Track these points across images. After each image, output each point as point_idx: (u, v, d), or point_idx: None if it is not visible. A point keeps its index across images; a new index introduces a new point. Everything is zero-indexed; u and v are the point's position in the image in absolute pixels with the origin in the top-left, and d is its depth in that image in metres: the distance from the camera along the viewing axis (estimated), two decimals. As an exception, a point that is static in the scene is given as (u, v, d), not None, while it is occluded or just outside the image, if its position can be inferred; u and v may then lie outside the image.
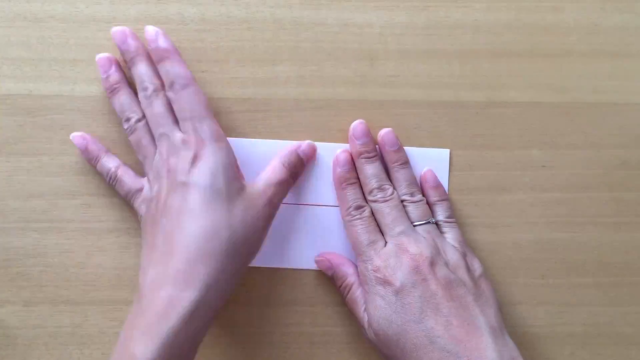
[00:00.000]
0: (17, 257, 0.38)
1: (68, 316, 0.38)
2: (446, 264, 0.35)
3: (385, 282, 0.34)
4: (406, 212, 0.37)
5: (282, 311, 0.39)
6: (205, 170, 0.33)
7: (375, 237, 0.36)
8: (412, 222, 0.37)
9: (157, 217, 0.34)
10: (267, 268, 0.39)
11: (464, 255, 0.36)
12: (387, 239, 0.36)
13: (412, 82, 0.39)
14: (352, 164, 0.38)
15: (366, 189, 0.37)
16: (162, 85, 0.36)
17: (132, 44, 0.37)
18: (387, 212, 0.36)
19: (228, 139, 0.38)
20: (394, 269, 0.34)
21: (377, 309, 0.34)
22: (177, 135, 0.35)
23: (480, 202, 0.39)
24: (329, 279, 0.39)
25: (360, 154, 0.38)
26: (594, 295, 0.40)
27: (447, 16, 0.40)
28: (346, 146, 0.39)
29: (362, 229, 0.36)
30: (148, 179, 0.36)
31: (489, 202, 0.39)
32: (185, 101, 0.35)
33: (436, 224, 0.37)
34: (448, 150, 0.39)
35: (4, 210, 0.38)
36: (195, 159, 0.34)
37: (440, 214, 0.38)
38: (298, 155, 0.38)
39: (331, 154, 0.39)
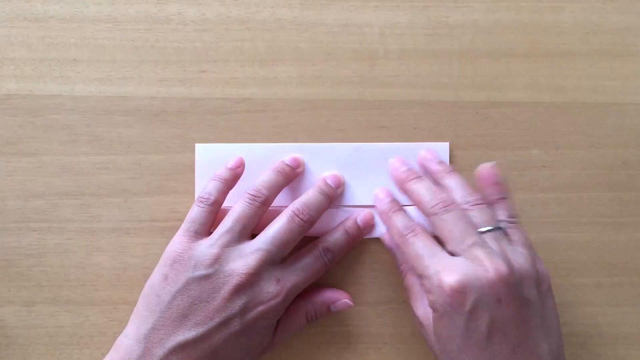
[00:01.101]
0: (17, 257, 0.38)
1: (68, 316, 0.38)
2: (519, 280, 0.31)
3: (456, 300, 0.31)
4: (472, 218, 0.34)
5: (282, 311, 0.39)
6: None
7: (436, 248, 0.33)
8: (477, 230, 0.33)
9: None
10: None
11: (533, 265, 0.32)
12: (459, 253, 0.32)
13: (412, 82, 0.39)
14: (393, 196, 0.37)
15: (422, 206, 0.34)
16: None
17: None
18: (453, 222, 0.33)
19: (226, 144, 0.38)
20: (467, 285, 0.30)
21: (442, 321, 0.32)
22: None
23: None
24: (328, 279, 0.39)
25: (407, 177, 0.36)
26: (594, 295, 0.40)
27: (447, 16, 0.40)
28: (348, 146, 0.39)
29: (420, 243, 0.33)
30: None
31: (489, 202, 0.39)
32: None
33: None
34: (447, 144, 0.39)
35: (4, 210, 0.38)
36: None
37: (502, 214, 0.35)
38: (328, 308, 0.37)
39: (331, 154, 0.39)
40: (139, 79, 0.39)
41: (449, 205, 0.33)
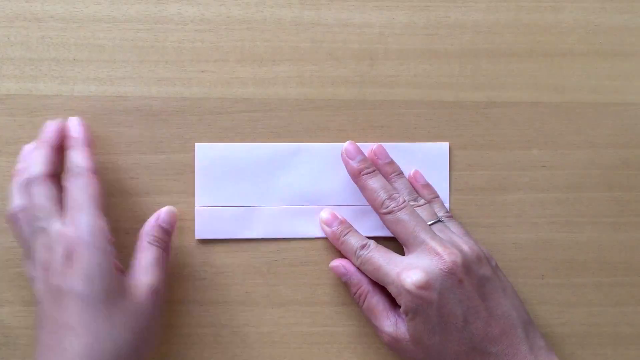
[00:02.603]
0: (16, 257, 0.38)
1: (68, 316, 0.38)
2: (477, 260, 0.35)
3: (423, 294, 0.33)
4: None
5: (282, 311, 0.39)
6: (80, 273, 0.31)
7: (391, 254, 0.36)
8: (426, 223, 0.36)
9: (37, 324, 0.32)
10: (266, 268, 0.39)
11: (479, 247, 0.36)
12: (411, 248, 0.35)
13: (412, 82, 0.39)
14: (338, 217, 0.38)
15: (376, 204, 0.37)
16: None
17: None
18: (407, 220, 0.35)
19: (226, 143, 0.38)
20: (429, 278, 0.33)
21: (416, 320, 0.34)
22: (54, 227, 0.32)
23: (480, 202, 0.39)
24: (328, 279, 0.39)
25: (360, 171, 0.37)
26: (594, 295, 0.40)
27: (447, 16, 0.40)
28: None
29: (376, 255, 0.36)
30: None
31: (489, 202, 0.39)
32: (72, 190, 0.33)
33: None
34: (447, 144, 0.39)
35: (4, 210, 0.38)
36: (69, 257, 0.31)
37: (440, 210, 0.38)
38: (160, 227, 0.36)
39: (331, 154, 0.39)
40: (139, 78, 0.39)
41: (402, 204, 0.36)
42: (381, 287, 0.36)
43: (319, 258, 0.39)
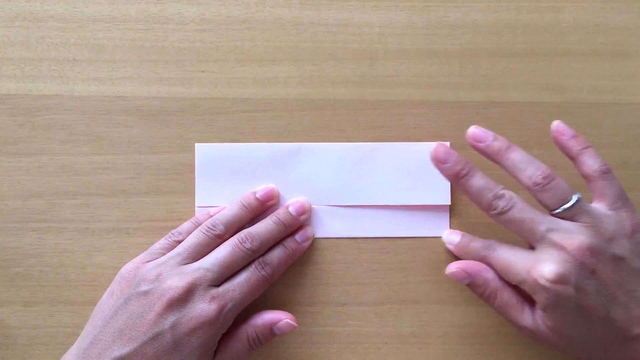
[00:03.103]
0: (16, 257, 0.38)
1: (68, 316, 0.38)
2: (607, 242, 0.32)
3: (558, 290, 0.32)
4: (543, 200, 0.34)
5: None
6: None
7: (517, 252, 0.34)
8: (551, 211, 0.34)
9: None
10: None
11: (620, 219, 0.33)
12: (534, 244, 0.34)
13: (412, 82, 0.39)
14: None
15: (484, 207, 0.34)
16: None
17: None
18: (520, 218, 0.33)
19: (226, 143, 0.38)
20: (561, 273, 0.32)
21: (557, 317, 0.33)
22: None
23: (480, 202, 0.39)
24: (329, 279, 0.39)
25: (457, 174, 0.35)
26: (594, 295, 0.39)
27: (447, 16, 0.40)
28: (348, 146, 0.39)
29: (503, 253, 0.35)
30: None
31: (489, 202, 0.39)
32: None
33: (587, 180, 0.34)
34: (448, 143, 0.39)
35: (3, 210, 0.38)
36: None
37: (590, 165, 0.34)
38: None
39: (331, 154, 0.39)
40: (139, 78, 0.39)
41: (510, 202, 0.34)
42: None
43: (320, 258, 0.39)
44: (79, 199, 0.39)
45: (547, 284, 0.32)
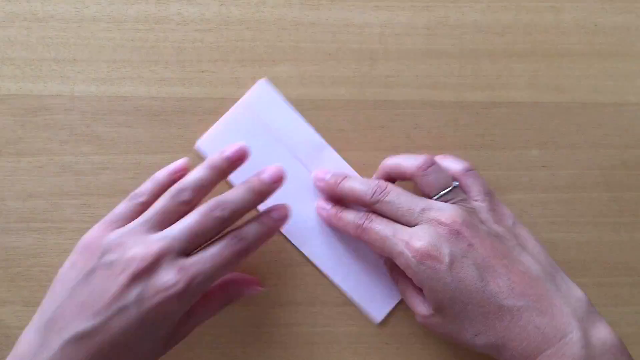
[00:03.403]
0: (17, 257, 0.38)
1: (68, 316, 0.38)
2: (481, 222, 0.34)
3: (434, 263, 0.32)
4: (425, 185, 0.35)
5: (282, 311, 0.39)
6: None
7: (395, 226, 0.34)
8: (431, 197, 0.35)
9: None
10: (266, 268, 0.39)
11: (491, 207, 0.35)
12: (413, 224, 0.34)
13: (412, 82, 0.39)
14: (329, 202, 0.38)
15: (363, 200, 0.35)
16: None
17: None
18: (397, 201, 0.34)
19: (283, 101, 0.38)
20: (436, 245, 0.32)
21: (436, 291, 0.33)
22: None
23: (480, 202, 0.39)
24: (329, 279, 0.39)
25: (336, 181, 0.37)
26: (594, 295, 0.39)
27: (447, 16, 0.40)
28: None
29: (379, 226, 0.35)
30: None
31: (489, 202, 0.39)
32: None
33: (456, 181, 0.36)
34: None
35: (3, 210, 0.38)
36: None
37: (455, 166, 0.36)
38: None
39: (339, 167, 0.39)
40: (139, 78, 0.39)
41: (385, 188, 0.35)
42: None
43: (319, 258, 0.39)
44: (79, 199, 0.39)
45: (421, 257, 0.32)
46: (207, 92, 0.39)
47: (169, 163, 0.39)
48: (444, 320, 0.34)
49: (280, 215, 0.35)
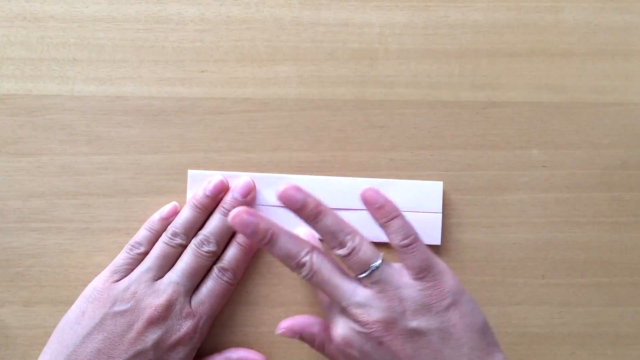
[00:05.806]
0: (16, 257, 0.38)
1: (68, 316, 0.38)
2: (402, 315, 0.32)
3: (346, 351, 0.33)
4: (349, 266, 0.33)
5: (282, 311, 0.39)
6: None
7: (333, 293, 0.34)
8: (356, 276, 0.33)
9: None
10: (266, 268, 0.39)
11: (421, 291, 0.33)
12: (340, 307, 0.34)
13: (412, 82, 0.39)
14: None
15: (292, 269, 0.34)
16: None
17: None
18: (325, 285, 0.33)
19: (217, 171, 0.38)
20: (351, 340, 0.33)
21: None
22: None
23: (480, 202, 0.39)
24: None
25: (267, 239, 0.34)
26: (594, 295, 0.40)
27: (447, 16, 0.40)
28: (341, 180, 0.39)
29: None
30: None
31: (489, 202, 0.39)
32: None
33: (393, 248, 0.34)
34: (441, 183, 0.39)
35: (3, 210, 0.38)
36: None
37: (392, 238, 0.34)
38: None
39: (318, 188, 0.39)
40: (139, 78, 0.39)
41: (311, 270, 0.33)
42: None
43: (319, 258, 0.39)
44: (79, 199, 0.39)
45: (339, 341, 0.33)
46: (207, 92, 0.39)
47: (168, 163, 0.39)
48: None
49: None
